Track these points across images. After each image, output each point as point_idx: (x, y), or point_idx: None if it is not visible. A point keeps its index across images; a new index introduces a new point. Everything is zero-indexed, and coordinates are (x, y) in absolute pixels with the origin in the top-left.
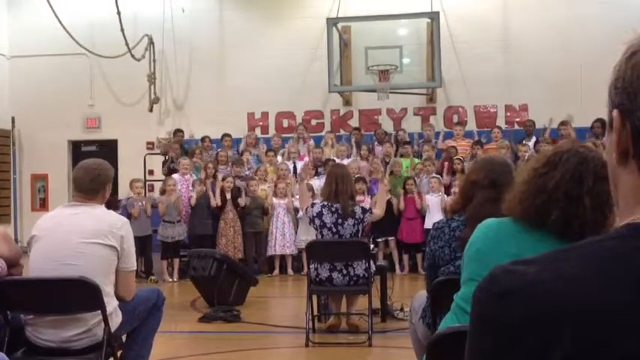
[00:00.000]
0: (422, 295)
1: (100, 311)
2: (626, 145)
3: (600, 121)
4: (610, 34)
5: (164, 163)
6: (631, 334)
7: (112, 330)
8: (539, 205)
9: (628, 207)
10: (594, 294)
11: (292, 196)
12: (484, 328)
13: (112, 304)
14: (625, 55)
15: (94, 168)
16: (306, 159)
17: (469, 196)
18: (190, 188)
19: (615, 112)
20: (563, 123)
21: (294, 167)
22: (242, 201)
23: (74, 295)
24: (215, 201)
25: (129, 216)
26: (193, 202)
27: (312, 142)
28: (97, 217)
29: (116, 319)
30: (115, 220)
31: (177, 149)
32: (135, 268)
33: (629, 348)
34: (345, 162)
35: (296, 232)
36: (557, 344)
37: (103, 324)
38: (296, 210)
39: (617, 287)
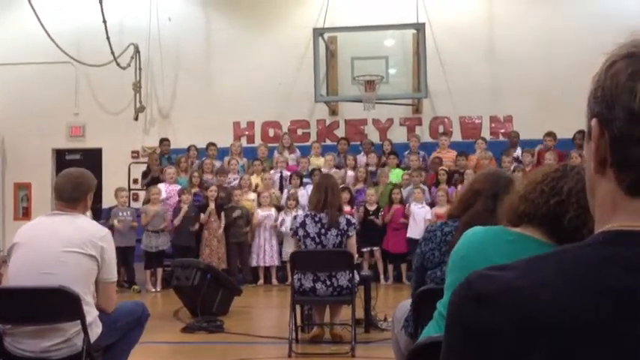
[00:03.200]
0: (404, 305)
1: (79, 321)
2: (604, 154)
3: (582, 132)
4: (594, 47)
5: (145, 174)
6: (599, 342)
7: (92, 340)
8: (554, 205)
9: (605, 215)
10: (568, 301)
11: (277, 210)
12: (460, 332)
13: (91, 314)
14: (605, 64)
15: (76, 177)
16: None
17: (469, 204)
18: (177, 198)
19: (594, 121)
20: (548, 134)
21: (281, 177)
22: (236, 213)
23: (54, 304)
24: (205, 217)
25: (111, 227)
26: (177, 222)
27: (298, 152)
28: (79, 226)
29: (96, 330)
30: (97, 230)
31: (156, 159)
32: (116, 279)
33: (598, 355)
34: (331, 172)
35: (281, 244)
36: (533, 350)
37: (82, 334)
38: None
39: (589, 295)
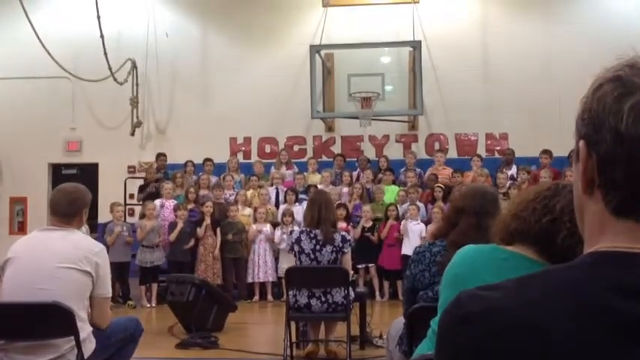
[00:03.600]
0: (399, 322)
1: (73, 337)
2: (592, 175)
3: None
4: (589, 65)
5: (142, 188)
6: None
7: (85, 356)
8: (546, 223)
9: (593, 236)
10: (554, 321)
11: (273, 226)
12: (449, 352)
13: (85, 330)
14: (592, 87)
15: (70, 192)
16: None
17: (454, 222)
18: (174, 214)
19: (582, 143)
20: (544, 152)
21: (277, 193)
22: (229, 236)
23: (47, 320)
24: (201, 232)
25: (106, 243)
26: (173, 238)
27: (296, 168)
28: (73, 242)
29: (89, 346)
30: (91, 246)
31: (153, 173)
32: (110, 295)
33: None
34: (328, 188)
35: (277, 260)
36: None
37: (75, 350)
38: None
39: (574, 316)
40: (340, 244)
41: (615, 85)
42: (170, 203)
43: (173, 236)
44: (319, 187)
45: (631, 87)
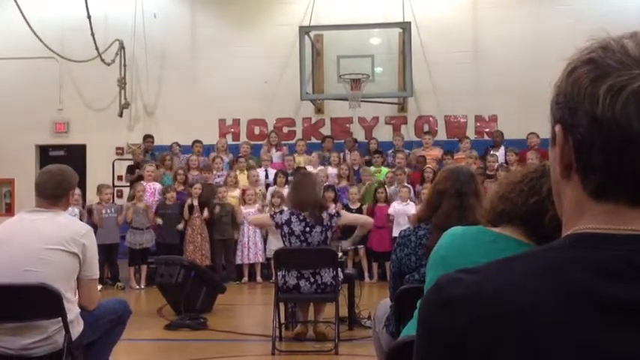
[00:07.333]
0: (385, 303)
1: (60, 318)
2: (569, 159)
3: None
4: (579, 46)
5: (130, 168)
6: (560, 344)
7: (73, 338)
8: (533, 204)
9: (572, 219)
10: (531, 303)
11: (262, 206)
12: (429, 336)
13: (73, 311)
14: (565, 70)
15: (57, 174)
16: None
17: (435, 205)
18: (158, 196)
19: (558, 127)
20: (532, 133)
21: (266, 174)
22: (206, 212)
23: (35, 301)
24: (186, 213)
25: (93, 224)
26: (151, 216)
27: (286, 150)
28: (60, 223)
29: (77, 327)
30: (78, 227)
31: (140, 155)
32: (97, 276)
33: (560, 357)
34: (316, 170)
35: (265, 242)
36: (498, 352)
37: (63, 331)
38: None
39: (551, 297)
40: (329, 222)
41: (589, 68)
42: (152, 186)
43: (152, 216)
44: (309, 168)
45: (605, 69)
